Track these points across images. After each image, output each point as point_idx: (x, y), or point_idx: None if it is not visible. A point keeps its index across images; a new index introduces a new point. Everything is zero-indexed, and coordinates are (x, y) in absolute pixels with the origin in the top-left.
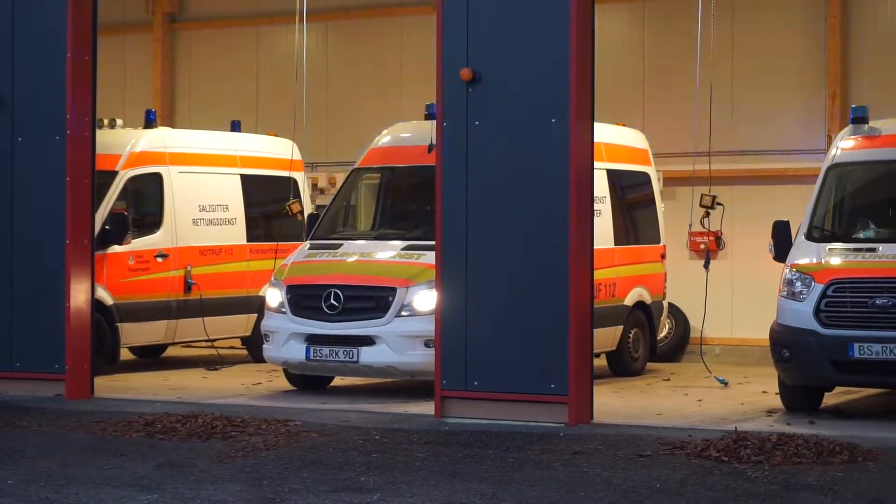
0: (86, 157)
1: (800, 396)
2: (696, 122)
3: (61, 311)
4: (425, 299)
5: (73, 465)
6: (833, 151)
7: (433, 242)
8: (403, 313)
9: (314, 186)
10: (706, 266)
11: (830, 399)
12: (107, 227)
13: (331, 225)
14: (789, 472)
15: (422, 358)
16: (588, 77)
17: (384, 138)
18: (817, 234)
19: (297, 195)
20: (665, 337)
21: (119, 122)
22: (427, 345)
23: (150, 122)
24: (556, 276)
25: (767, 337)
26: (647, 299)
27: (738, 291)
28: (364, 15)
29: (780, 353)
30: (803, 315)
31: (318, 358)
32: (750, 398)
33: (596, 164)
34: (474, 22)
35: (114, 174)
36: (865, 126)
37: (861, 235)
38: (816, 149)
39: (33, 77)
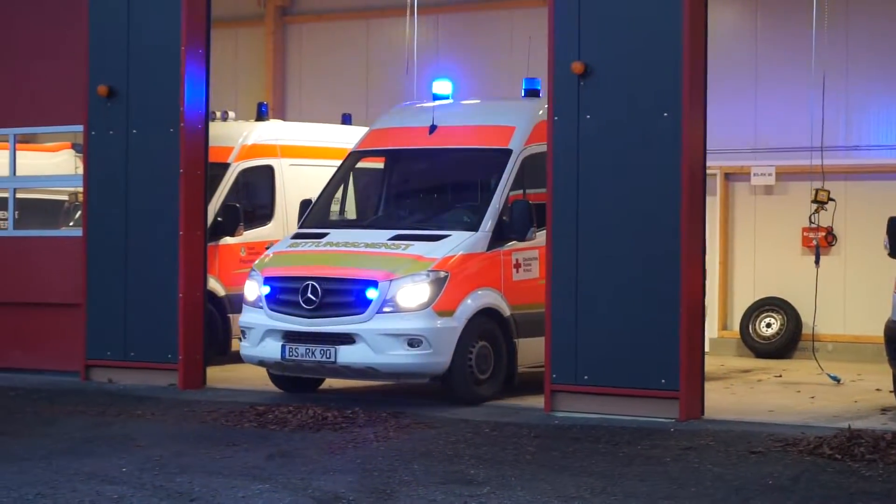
0: (199, 150)
1: None
2: (811, 116)
3: (174, 301)
4: (410, 294)
5: (185, 454)
6: None
7: (425, 231)
8: (385, 309)
9: None
10: (816, 262)
11: None
12: (219, 218)
13: (323, 212)
14: None
15: (405, 359)
16: (701, 70)
17: (385, 119)
18: None
19: None
20: (776, 333)
21: (231, 114)
22: (411, 344)
23: (261, 115)
24: (668, 270)
25: (882, 334)
26: None
27: (850, 288)
28: (475, 8)
29: (894, 349)
30: None
31: (293, 357)
32: (863, 396)
33: None
34: (586, 14)
35: (226, 166)
36: None
37: None
38: None
39: (148, 70)
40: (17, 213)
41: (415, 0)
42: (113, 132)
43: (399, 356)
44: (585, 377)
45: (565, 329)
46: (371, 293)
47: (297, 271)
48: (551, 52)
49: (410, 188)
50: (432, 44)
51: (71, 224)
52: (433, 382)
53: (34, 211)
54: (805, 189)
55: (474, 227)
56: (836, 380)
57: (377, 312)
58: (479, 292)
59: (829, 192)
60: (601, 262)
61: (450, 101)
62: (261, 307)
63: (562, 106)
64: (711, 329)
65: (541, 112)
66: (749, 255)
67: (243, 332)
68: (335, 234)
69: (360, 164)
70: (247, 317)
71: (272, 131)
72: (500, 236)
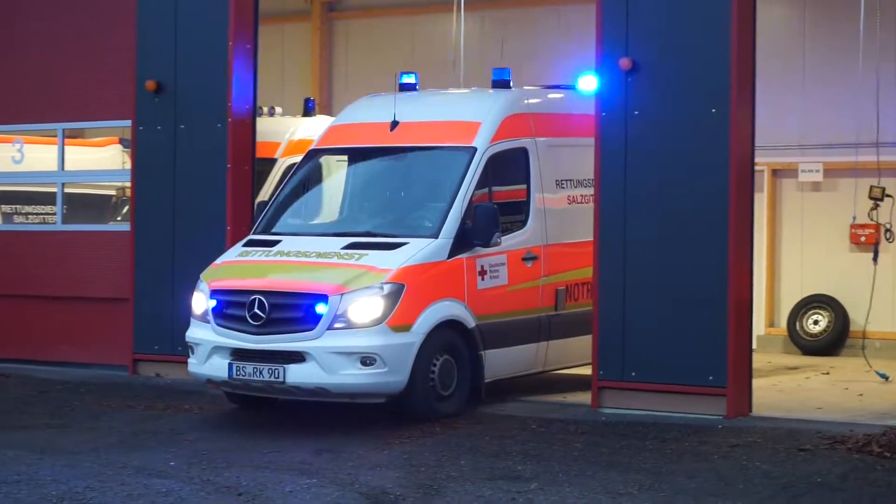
0: (246, 145)
1: None
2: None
3: None
4: (363, 309)
5: (232, 449)
6: None
7: (381, 239)
8: (337, 325)
9: None
10: (875, 259)
11: None
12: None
13: (278, 216)
14: None
15: (358, 378)
16: (750, 66)
17: (348, 113)
18: None
19: None
20: (823, 330)
21: (278, 110)
22: (364, 363)
23: (308, 111)
24: (716, 267)
25: None
26: None
27: None
28: (521, 4)
29: None
30: None
31: (240, 377)
32: None
33: (593, 140)
34: (634, 10)
35: (273, 162)
36: None
37: None
38: None
39: (195, 65)
40: (65, 207)
41: None
42: (160, 127)
43: (351, 375)
44: (633, 374)
45: (612, 326)
46: (321, 308)
47: (243, 284)
48: (599, 48)
49: (369, 190)
50: (478, 40)
51: (118, 219)
52: (389, 402)
53: (82, 206)
54: (853, 185)
55: (434, 233)
56: (885, 377)
57: (328, 329)
58: (440, 304)
59: (884, 188)
60: (648, 260)
61: (416, 92)
62: (207, 322)
63: (609, 102)
64: (758, 326)
65: (510, 105)
66: (796, 251)
67: (190, 348)
68: (288, 242)
69: (319, 163)
70: (194, 332)
71: (319, 127)
72: (462, 242)
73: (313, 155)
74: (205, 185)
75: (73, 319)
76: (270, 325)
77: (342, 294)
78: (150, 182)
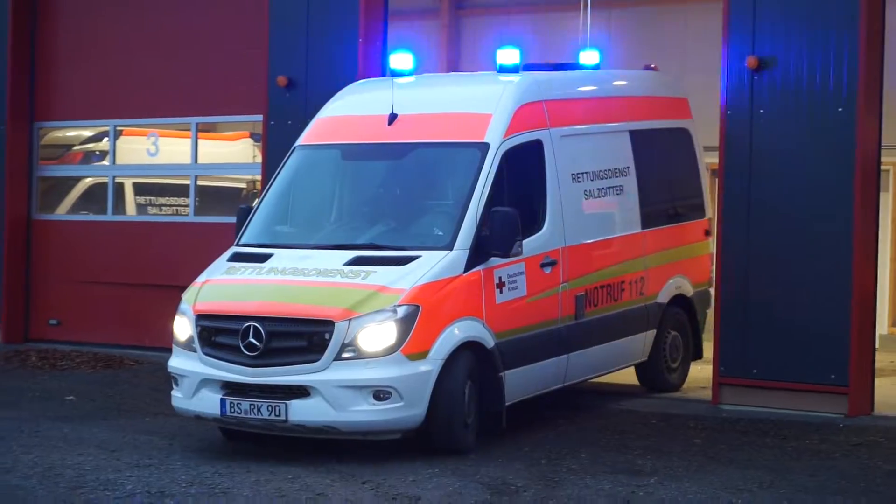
0: None
1: None
2: None
3: None
4: (374, 336)
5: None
6: None
7: (388, 252)
8: (345, 355)
9: None
10: None
11: None
12: None
13: (265, 224)
14: None
15: (371, 416)
16: (878, 65)
17: (336, 104)
18: None
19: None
20: None
21: None
22: (378, 396)
23: None
24: (840, 265)
25: None
26: (689, 290)
27: None
28: (647, 3)
29: None
30: None
31: (235, 414)
32: None
33: (610, 126)
34: (761, 8)
35: None
36: None
37: None
38: None
39: (326, 62)
40: (197, 199)
41: None
42: (291, 122)
43: (364, 412)
44: (754, 371)
45: (734, 324)
46: (327, 336)
47: (234, 307)
48: (726, 47)
49: (368, 194)
50: (604, 39)
51: None
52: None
53: (213, 198)
54: None
55: (448, 244)
56: None
57: (335, 359)
58: (458, 324)
59: None
60: (771, 258)
61: (414, 78)
62: (193, 350)
63: (735, 100)
64: (881, 325)
65: (523, 92)
66: None
67: (174, 380)
68: (281, 256)
69: (307, 162)
70: (178, 362)
71: None
72: (479, 253)
73: (299, 153)
74: None
75: None
76: (268, 355)
77: (350, 319)
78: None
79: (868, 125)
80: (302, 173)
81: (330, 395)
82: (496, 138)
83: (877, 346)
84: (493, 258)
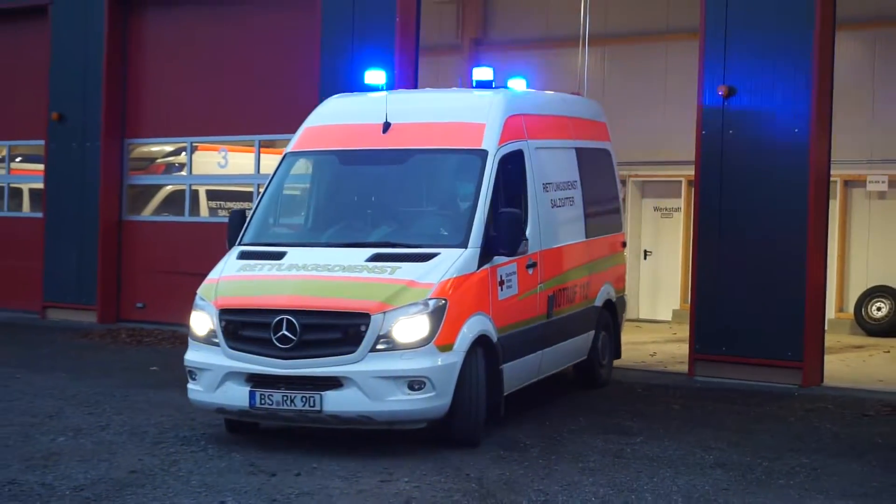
0: None
1: None
2: None
3: None
4: (408, 328)
5: None
6: None
7: (409, 250)
8: (380, 347)
9: None
10: None
11: None
12: None
13: (265, 226)
14: None
15: (405, 405)
16: (828, 93)
17: (323, 114)
18: None
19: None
20: (885, 316)
21: None
22: (412, 387)
23: None
24: (796, 262)
25: None
26: (614, 296)
27: None
28: (635, 41)
29: None
30: None
31: (266, 405)
32: None
33: (564, 142)
34: (731, 46)
35: None
36: None
37: None
38: None
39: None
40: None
41: (586, 34)
42: None
43: (398, 402)
44: (723, 348)
45: (707, 310)
46: (363, 328)
47: (264, 302)
48: (701, 77)
49: (370, 197)
50: (600, 71)
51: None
52: (429, 426)
53: None
54: None
55: (462, 242)
56: None
57: (370, 351)
58: (474, 319)
59: None
60: (739, 254)
61: (401, 91)
62: (215, 344)
63: (709, 122)
64: (830, 311)
65: (509, 105)
66: (863, 249)
67: (191, 374)
68: (295, 254)
69: (302, 167)
70: (197, 356)
71: None
72: (487, 252)
73: (293, 159)
74: None
75: None
76: (302, 347)
77: (385, 312)
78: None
79: (820, 143)
80: (299, 178)
81: (366, 386)
82: (492, 145)
83: (826, 328)
84: (496, 257)
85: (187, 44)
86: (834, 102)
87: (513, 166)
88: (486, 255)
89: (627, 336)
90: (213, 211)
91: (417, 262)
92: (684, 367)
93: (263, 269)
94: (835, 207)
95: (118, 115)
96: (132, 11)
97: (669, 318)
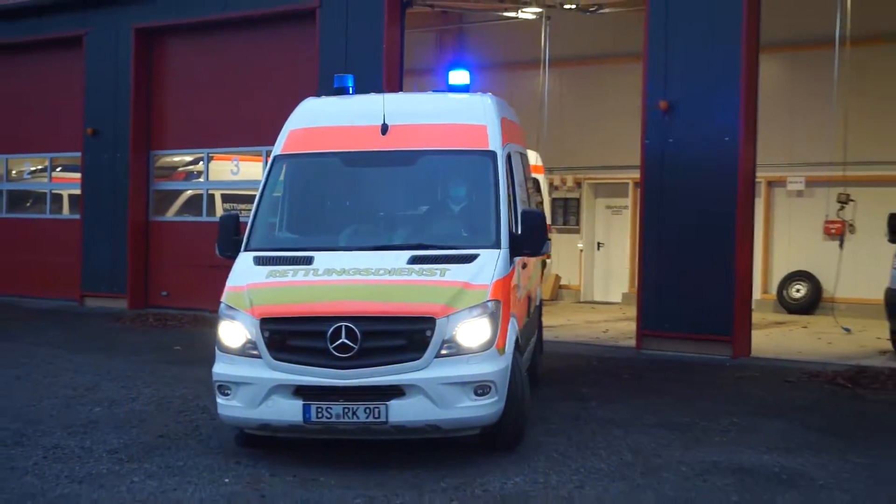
0: None
1: None
2: (832, 139)
3: None
4: (471, 332)
5: None
6: None
7: (447, 252)
8: (444, 351)
9: (550, 184)
10: (841, 246)
11: None
12: None
13: (269, 231)
14: None
15: (471, 412)
16: (754, 107)
17: (310, 116)
18: None
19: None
20: (803, 296)
21: None
22: (478, 392)
23: None
24: (726, 250)
25: (881, 298)
26: (540, 299)
27: (859, 263)
28: (589, 63)
29: (891, 309)
30: None
31: (323, 419)
32: (868, 342)
33: (519, 147)
34: (670, 67)
35: None
36: None
37: None
38: None
39: None
40: None
41: (546, 57)
42: None
43: (465, 408)
44: (666, 325)
45: (652, 292)
46: (428, 333)
47: (317, 309)
48: (645, 93)
49: (384, 198)
50: (558, 89)
51: None
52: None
53: None
54: (826, 192)
55: (494, 242)
56: (848, 330)
57: (436, 356)
58: (512, 320)
59: (848, 194)
60: (678, 245)
61: (390, 94)
62: (254, 356)
63: (652, 132)
64: (756, 292)
65: (500, 108)
66: (784, 240)
67: (224, 390)
68: (326, 258)
69: (300, 170)
70: (231, 369)
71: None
72: (514, 252)
73: (285, 162)
74: None
75: None
76: (362, 356)
77: (449, 315)
78: None
79: (747, 149)
80: (298, 181)
81: (434, 393)
82: (497, 146)
83: (753, 307)
84: (515, 257)
85: (204, 69)
86: (759, 114)
87: (507, 167)
88: (513, 255)
89: (584, 315)
90: (227, 212)
91: (462, 263)
92: (633, 343)
93: (298, 275)
94: (760, 204)
95: (144, 130)
96: (156, 41)
97: (620, 301)
